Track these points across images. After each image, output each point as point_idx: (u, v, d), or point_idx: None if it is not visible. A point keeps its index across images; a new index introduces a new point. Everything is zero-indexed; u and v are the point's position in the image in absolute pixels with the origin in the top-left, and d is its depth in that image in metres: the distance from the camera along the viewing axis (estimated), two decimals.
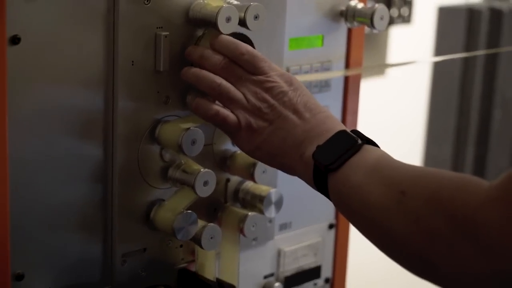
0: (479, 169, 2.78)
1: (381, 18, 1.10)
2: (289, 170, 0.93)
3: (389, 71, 2.55)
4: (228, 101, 0.93)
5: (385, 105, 2.57)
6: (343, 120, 1.18)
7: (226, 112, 0.93)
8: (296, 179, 1.01)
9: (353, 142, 0.87)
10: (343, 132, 0.89)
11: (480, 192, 0.75)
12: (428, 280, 0.80)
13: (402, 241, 0.80)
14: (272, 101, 0.92)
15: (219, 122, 0.93)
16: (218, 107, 0.93)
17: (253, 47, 0.98)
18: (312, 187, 0.91)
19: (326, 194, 0.89)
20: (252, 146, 0.93)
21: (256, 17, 0.96)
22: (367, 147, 0.88)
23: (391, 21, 2.27)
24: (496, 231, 0.72)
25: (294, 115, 0.92)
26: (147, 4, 0.93)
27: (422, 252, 0.78)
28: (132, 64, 0.93)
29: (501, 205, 0.73)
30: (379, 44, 2.51)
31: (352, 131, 0.89)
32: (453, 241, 0.75)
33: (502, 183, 0.74)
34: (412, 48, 2.63)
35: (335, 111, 1.16)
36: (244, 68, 0.94)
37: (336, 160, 0.86)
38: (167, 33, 0.94)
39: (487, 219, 0.73)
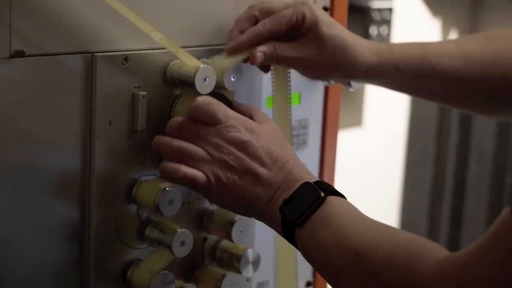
0: (456, 219, 2.79)
1: None
2: (263, 221, 0.93)
3: (366, 122, 2.56)
4: (192, 161, 0.92)
5: (362, 155, 2.58)
6: (320, 176, 1.18)
7: (194, 172, 0.91)
8: (273, 237, 1.02)
9: (316, 195, 0.87)
10: (307, 184, 0.88)
11: (433, 262, 0.76)
12: None
13: None
14: (237, 153, 0.91)
15: (189, 183, 0.92)
16: (184, 169, 0.91)
17: (231, 106, 0.98)
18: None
19: (296, 246, 0.89)
20: (225, 201, 0.93)
21: (233, 77, 0.97)
22: (331, 199, 0.87)
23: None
24: None
25: (262, 168, 0.91)
26: (125, 64, 0.93)
27: None
28: (110, 124, 0.93)
29: (453, 283, 0.73)
30: (355, 96, 2.53)
31: (316, 182, 0.89)
32: None
33: (458, 263, 0.74)
34: (388, 100, 2.65)
35: (313, 168, 1.16)
36: (202, 122, 0.93)
37: (301, 215, 0.86)
38: (145, 92, 0.94)
39: None
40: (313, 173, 1.13)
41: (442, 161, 2.74)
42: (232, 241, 1.03)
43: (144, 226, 0.98)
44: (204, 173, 0.91)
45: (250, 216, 0.94)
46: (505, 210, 0.70)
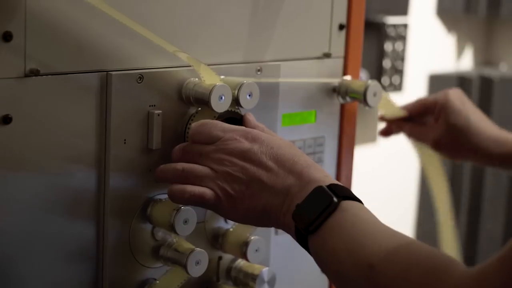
0: (472, 236, 2.76)
1: (374, 95, 1.10)
2: (280, 228, 0.90)
3: (381, 138, 2.55)
4: (197, 179, 0.91)
5: (377, 172, 2.56)
6: None
7: (200, 189, 0.90)
8: (289, 256, 1.00)
9: (329, 200, 0.84)
10: (319, 188, 0.86)
11: (451, 280, 0.74)
12: None
13: None
14: (240, 162, 0.90)
15: (198, 201, 0.91)
16: (190, 188, 0.90)
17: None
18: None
19: (309, 252, 0.87)
20: (237, 214, 0.91)
21: (249, 95, 0.96)
22: (345, 205, 0.84)
23: (382, 90, 2.28)
24: None
25: (268, 173, 0.89)
26: (140, 82, 0.93)
27: None
28: (124, 143, 0.93)
29: None
30: (370, 112, 2.52)
31: (330, 185, 0.86)
32: None
33: (476, 277, 0.72)
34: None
35: None
36: (203, 143, 0.92)
37: (313, 221, 0.84)
38: (160, 111, 0.94)
39: None
40: None
41: (458, 176, 2.73)
42: (247, 260, 1.02)
43: (159, 245, 0.97)
44: (212, 189, 0.90)
45: (267, 226, 0.92)
46: None
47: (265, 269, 1.03)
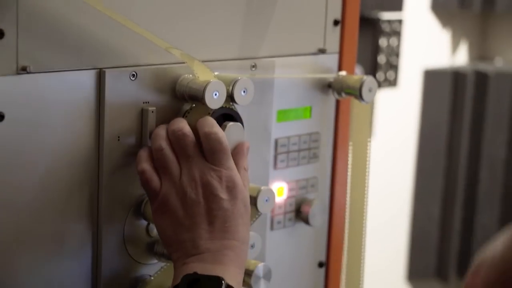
0: (467, 228, 2.77)
1: (370, 90, 1.10)
2: (173, 267, 0.91)
3: (377, 133, 2.55)
4: (162, 168, 0.91)
5: (373, 166, 2.57)
6: (332, 191, 1.17)
7: (154, 176, 0.91)
8: (284, 251, 1.00)
9: None
10: (218, 280, 0.86)
11: None
12: None
13: None
14: (200, 198, 0.90)
15: (143, 180, 0.91)
16: (149, 167, 0.91)
17: (241, 120, 0.97)
18: None
19: None
20: (157, 221, 0.91)
21: (244, 91, 0.96)
22: None
23: (378, 85, 2.29)
24: None
25: (206, 226, 0.89)
26: (134, 79, 0.92)
27: None
28: (118, 140, 0.92)
29: None
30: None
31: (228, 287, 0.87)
32: None
33: None
34: (398, 111, 2.64)
35: (324, 182, 1.15)
36: (204, 147, 0.92)
37: None
38: (154, 108, 0.93)
39: None
40: (326, 187, 1.12)
41: (453, 170, 2.73)
42: None
43: (154, 241, 0.97)
44: (163, 184, 0.90)
45: (168, 251, 0.92)
46: None
47: (260, 265, 1.02)
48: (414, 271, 2.76)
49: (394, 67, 2.51)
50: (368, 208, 1.17)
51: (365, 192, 1.18)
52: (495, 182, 2.74)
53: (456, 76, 2.68)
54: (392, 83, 2.53)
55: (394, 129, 2.64)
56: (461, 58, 2.78)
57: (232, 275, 0.89)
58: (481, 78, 2.68)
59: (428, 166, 2.73)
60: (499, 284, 0.71)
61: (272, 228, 1.09)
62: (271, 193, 1.01)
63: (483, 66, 2.72)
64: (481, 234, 2.77)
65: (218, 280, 0.86)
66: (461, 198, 2.75)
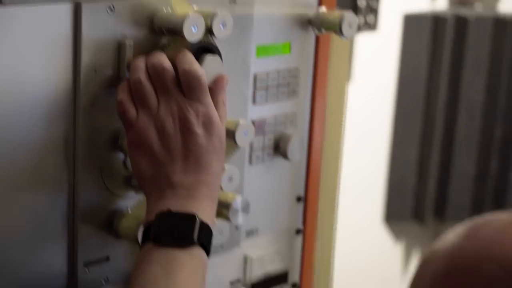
0: (444, 173, 2.79)
1: (350, 26, 1.09)
2: (146, 204, 0.91)
3: (355, 76, 2.55)
4: (140, 101, 0.91)
5: (351, 109, 2.57)
6: (311, 127, 1.17)
7: (131, 107, 0.90)
8: (262, 185, 1.00)
9: (187, 237, 0.86)
10: (191, 217, 0.87)
11: None
12: None
13: None
14: (177, 133, 0.90)
15: (119, 111, 0.91)
16: (127, 98, 0.91)
17: (220, 54, 0.97)
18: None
19: (140, 245, 0.89)
20: (132, 153, 0.91)
21: (223, 25, 0.95)
22: (194, 251, 0.87)
23: (357, 29, 2.28)
24: None
25: (181, 161, 0.89)
26: (111, 13, 0.91)
27: None
28: (95, 72, 0.92)
29: None
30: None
31: (201, 222, 0.87)
32: None
33: None
34: (378, 55, 2.63)
35: (303, 118, 1.15)
36: (182, 82, 0.91)
37: (163, 238, 0.86)
38: (131, 41, 0.93)
39: None
40: (304, 123, 1.12)
41: (432, 114, 2.74)
42: (221, 189, 1.02)
43: (131, 175, 0.97)
44: (139, 116, 0.90)
45: (140, 185, 0.92)
46: None
47: (238, 197, 1.03)
48: (392, 213, 2.79)
49: (374, 10, 2.50)
50: (346, 150, 1.17)
51: (342, 130, 1.19)
52: (473, 126, 2.76)
53: (436, 20, 2.67)
54: (372, 27, 2.52)
55: (373, 73, 2.64)
56: (441, 2, 2.77)
57: (205, 210, 0.89)
58: (461, 23, 2.68)
59: (406, 110, 2.73)
60: (446, 275, 0.71)
61: (250, 162, 1.10)
62: (250, 127, 1.01)
63: (463, 11, 2.72)
64: (458, 177, 2.80)
65: (192, 218, 0.87)
66: (438, 141, 2.76)
